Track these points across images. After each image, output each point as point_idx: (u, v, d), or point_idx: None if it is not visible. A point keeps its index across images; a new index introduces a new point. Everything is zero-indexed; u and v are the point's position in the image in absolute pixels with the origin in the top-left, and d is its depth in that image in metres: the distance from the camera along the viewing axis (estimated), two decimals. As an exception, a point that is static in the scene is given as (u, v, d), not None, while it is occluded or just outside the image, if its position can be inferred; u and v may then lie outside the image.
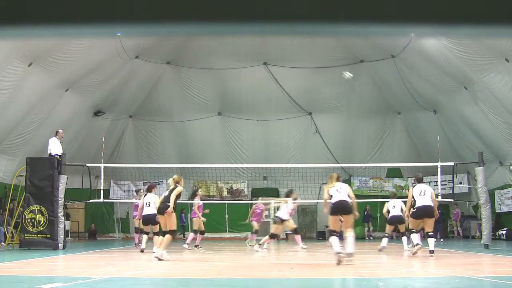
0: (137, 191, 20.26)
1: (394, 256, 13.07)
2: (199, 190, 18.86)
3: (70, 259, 12.42)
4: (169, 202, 11.16)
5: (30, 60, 16.46)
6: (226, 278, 8.26)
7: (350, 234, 9.71)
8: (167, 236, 11.05)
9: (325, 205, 10.02)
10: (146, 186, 15.47)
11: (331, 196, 9.83)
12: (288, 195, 15.52)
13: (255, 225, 18.07)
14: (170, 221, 11.23)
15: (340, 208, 9.69)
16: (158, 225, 13.94)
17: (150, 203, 13.85)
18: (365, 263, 11.19)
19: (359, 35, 1.62)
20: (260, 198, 19.89)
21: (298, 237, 16.48)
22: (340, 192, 9.77)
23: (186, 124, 25.39)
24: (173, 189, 11.38)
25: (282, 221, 14.94)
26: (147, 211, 13.94)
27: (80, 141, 23.00)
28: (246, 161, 25.31)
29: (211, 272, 9.18)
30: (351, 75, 18.41)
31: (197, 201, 17.28)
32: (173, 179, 11.60)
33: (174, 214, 11.35)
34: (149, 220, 13.96)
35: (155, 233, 14.21)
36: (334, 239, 9.42)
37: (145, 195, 14.33)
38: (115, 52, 19.34)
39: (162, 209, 11.30)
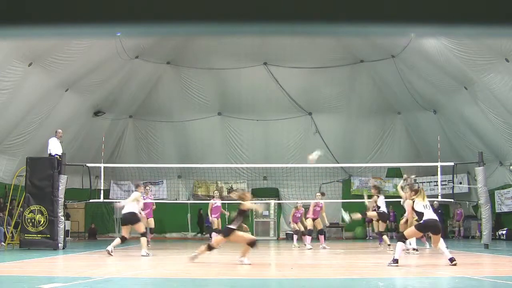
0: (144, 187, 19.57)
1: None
2: (215, 191, 18.89)
3: (70, 259, 12.42)
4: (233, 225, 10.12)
5: (30, 60, 16.46)
6: (226, 278, 8.26)
7: (441, 245, 9.82)
8: (247, 247, 10.06)
9: (411, 216, 10.36)
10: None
11: (420, 212, 9.83)
12: (379, 190, 15.61)
13: (295, 226, 18.17)
14: (240, 239, 10.20)
15: (432, 227, 9.78)
16: (140, 224, 12.92)
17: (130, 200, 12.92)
18: (365, 263, 11.19)
19: (359, 35, 1.62)
20: (300, 201, 19.58)
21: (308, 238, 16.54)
22: (430, 209, 9.86)
23: (186, 124, 25.38)
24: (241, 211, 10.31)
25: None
26: (125, 209, 12.81)
27: (80, 141, 22.99)
28: (246, 161, 25.30)
29: (211, 272, 9.18)
30: (319, 154, 17.76)
31: (212, 202, 17.46)
32: (237, 194, 10.84)
33: (236, 232, 10.09)
34: (126, 219, 12.87)
35: (142, 234, 13.02)
36: (400, 245, 9.52)
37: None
38: (115, 52, 19.33)
39: (225, 232, 10.29)
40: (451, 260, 9.29)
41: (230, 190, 26.15)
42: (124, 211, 12.89)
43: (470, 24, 0.91)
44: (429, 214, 9.69)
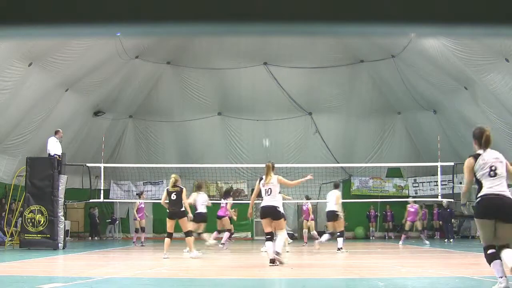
0: (138, 194, 20.60)
1: (394, 256, 13.08)
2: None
3: (70, 259, 12.42)
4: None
5: (30, 60, 16.46)
6: (226, 278, 8.26)
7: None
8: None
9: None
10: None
11: None
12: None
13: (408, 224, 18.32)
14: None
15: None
16: None
17: None
18: (365, 263, 11.19)
19: (359, 35, 1.62)
20: (411, 198, 19.35)
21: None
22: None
23: (186, 124, 25.38)
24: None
25: None
26: None
27: (80, 141, 22.99)
28: (246, 161, 25.30)
29: (211, 272, 9.18)
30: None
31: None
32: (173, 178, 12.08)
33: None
34: None
35: None
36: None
37: None
38: (115, 52, 19.33)
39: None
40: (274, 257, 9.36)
41: (230, 190, 26.22)
42: None
43: (470, 24, 0.91)
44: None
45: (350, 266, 10.47)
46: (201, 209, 14.80)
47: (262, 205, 9.62)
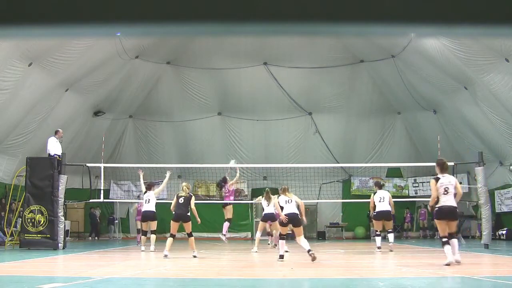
0: (138, 197, 20.77)
1: (394, 256, 13.07)
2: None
3: (70, 259, 12.42)
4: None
5: (30, 60, 16.46)
6: (226, 278, 8.26)
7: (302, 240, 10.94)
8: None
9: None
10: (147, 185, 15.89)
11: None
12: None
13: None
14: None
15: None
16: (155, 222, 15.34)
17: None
18: (365, 263, 11.20)
19: (359, 35, 1.62)
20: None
21: None
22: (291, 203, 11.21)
23: (186, 124, 25.38)
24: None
25: None
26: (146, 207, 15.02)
27: (80, 141, 22.99)
28: (246, 161, 25.29)
29: (211, 272, 9.19)
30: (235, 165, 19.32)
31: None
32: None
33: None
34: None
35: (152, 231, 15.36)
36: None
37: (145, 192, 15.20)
38: (115, 52, 19.32)
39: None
40: (309, 251, 10.39)
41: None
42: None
43: (470, 24, 0.91)
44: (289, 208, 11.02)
45: (350, 266, 10.47)
46: (146, 207, 15.41)
47: (285, 212, 10.92)
